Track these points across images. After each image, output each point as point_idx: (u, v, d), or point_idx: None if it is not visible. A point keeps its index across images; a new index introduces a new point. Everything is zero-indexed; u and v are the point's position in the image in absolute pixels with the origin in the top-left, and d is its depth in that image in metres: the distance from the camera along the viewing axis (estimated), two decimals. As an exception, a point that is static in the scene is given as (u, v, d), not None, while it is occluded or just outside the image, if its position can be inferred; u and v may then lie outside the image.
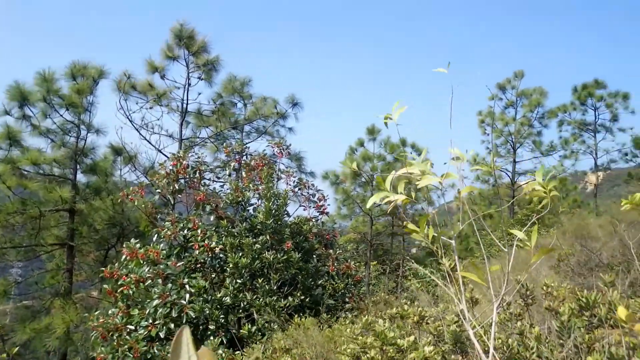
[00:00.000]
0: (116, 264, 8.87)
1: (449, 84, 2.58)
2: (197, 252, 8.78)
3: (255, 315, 8.19)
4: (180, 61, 15.99)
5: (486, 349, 3.16)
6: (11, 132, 14.10)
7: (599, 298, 3.21)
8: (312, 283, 9.17)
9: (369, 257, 21.60)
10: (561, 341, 3.19)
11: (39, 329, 13.62)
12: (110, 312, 8.38)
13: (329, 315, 7.89)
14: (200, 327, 8.17)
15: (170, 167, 9.92)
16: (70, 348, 14.13)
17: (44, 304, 15.14)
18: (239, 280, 8.49)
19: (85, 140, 15.36)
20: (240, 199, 9.43)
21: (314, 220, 10.21)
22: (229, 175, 10.59)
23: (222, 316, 8.16)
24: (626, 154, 25.66)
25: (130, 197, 9.98)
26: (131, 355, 7.66)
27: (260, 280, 8.41)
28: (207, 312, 8.02)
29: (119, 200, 12.62)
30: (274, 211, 9.16)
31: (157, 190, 10.03)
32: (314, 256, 9.71)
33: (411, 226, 2.59)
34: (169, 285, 8.16)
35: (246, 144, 15.13)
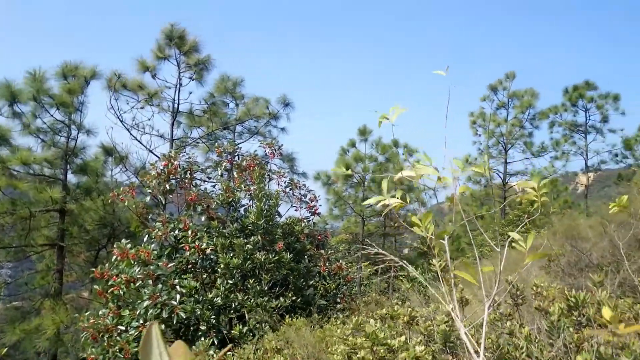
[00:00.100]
0: (107, 265, 8.82)
1: (447, 84, 2.59)
2: (187, 253, 8.76)
3: (247, 316, 8.17)
4: (171, 61, 15.93)
5: (477, 349, 3.17)
6: (1, 131, 14.01)
7: (588, 298, 3.22)
8: (304, 283, 9.17)
9: (360, 258, 21.60)
10: (551, 341, 3.20)
11: (29, 330, 13.53)
12: (100, 312, 8.34)
13: (321, 316, 7.89)
14: (191, 327, 8.14)
15: (162, 168, 9.88)
16: (61, 349, 14.04)
17: (34, 305, 15.05)
18: (230, 281, 8.47)
19: (76, 140, 15.28)
20: (231, 199, 9.41)
21: (305, 220, 10.21)
22: (221, 175, 10.57)
23: (213, 317, 8.13)
24: (616, 155, 25.84)
25: (120, 197, 9.94)
26: (122, 356, 7.62)
27: (251, 281, 8.39)
28: (198, 312, 8.00)
29: (109, 201, 12.56)
30: (265, 212, 9.15)
31: (148, 191, 9.98)
32: (306, 257, 9.71)
33: (415, 220, 2.60)
34: (160, 285, 8.12)
35: (238, 144, 15.11)
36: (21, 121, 14.53)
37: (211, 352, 6.92)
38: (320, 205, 10.76)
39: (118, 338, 7.79)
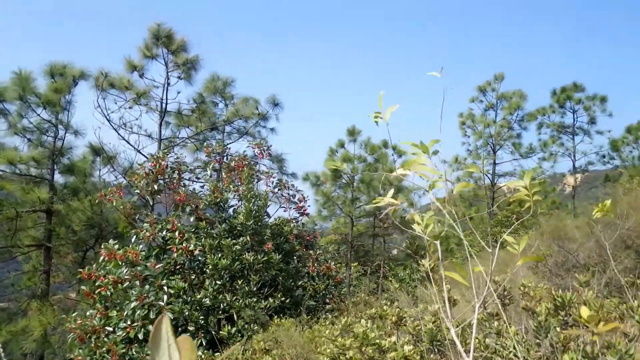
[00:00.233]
0: (94, 265, 8.78)
1: (438, 86, 2.59)
2: (175, 254, 8.72)
3: (235, 317, 8.15)
4: (159, 60, 15.83)
5: (466, 348, 3.17)
6: (-15, 130, 13.90)
7: (574, 298, 3.24)
8: (293, 284, 9.16)
9: (349, 258, 21.62)
10: (538, 340, 3.22)
11: (16, 331, 13.43)
12: (88, 313, 8.29)
13: (310, 316, 7.89)
14: (180, 328, 8.11)
15: (150, 168, 9.83)
16: (48, 351, 13.94)
17: (20, 306, 14.94)
18: (218, 282, 8.45)
19: (63, 140, 15.17)
20: (219, 199, 9.38)
21: (294, 221, 10.21)
22: (210, 176, 10.54)
23: (201, 317, 8.11)
24: (604, 156, 26.02)
25: (108, 197, 9.89)
26: (109, 358, 7.58)
27: (240, 282, 8.38)
28: (187, 313, 7.97)
29: (97, 201, 12.48)
30: (254, 212, 9.13)
31: (136, 191, 9.93)
32: (295, 257, 9.70)
33: (417, 217, 2.59)
34: (147, 286, 8.09)
35: (227, 144, 15.07)
36: (7, 120, 14.41)
37: (199, 352, 6.89)
38: (309, 206, 10.77)
39: (105, 339, 7.76)
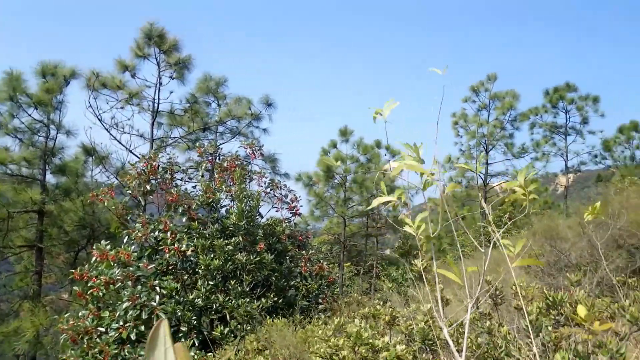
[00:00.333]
0: (86, 266, 8.73)
1: (439, 86, 2.58)
2: (167, 255, 8.70)
3: (228, 317, 8.13)
4: (150, 60, 15.74)
5: (458, 348, 3.18)
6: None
7: (565, 297, 3.25)
8: (285, 284, 9.15)
9: (342, 258, 21.62)
10: (529, 340, 3.22)
11: (8, 332, 13.36)
12: (80, 314, 8.24)
13: (303, 316, 7.89)
14: (172, 329, 8.08)
15: (141, 168, 9.80)
16: (40, 352, 13.88)
17: (12, 307, 14.88)
18: (211, 282, 8.43)
19: (55, 140, 15.09)
20: (211, 200, 9.36)
21: (286, 221, 10.20)
22: (202, 176, 10.51)
23: (194, 318, 8.08)
24: (596, 156, 26.14)
25: (100, 198, 9.84)
26: (101, 358, 7.54)
27: (232, 282, 8.36)
28: (179, 313, 7.94)
29: (89, 202, 12.42)
30: (246, 212, 9.11)
31: (128, 192, 9.89)
32: (287, 257, 9.69)
33: (407, 220, 2.59)
34: (139, 287, 8.06)
35: (220, 144, 15.04)
36: (-2, 120, 14.33)
37: (192, 353, 6.87)
38: (301, 206, 10.76)
39: (98, 340, 7.72)
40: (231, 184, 9.79)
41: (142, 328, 7.71)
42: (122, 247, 8.77)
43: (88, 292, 8.29)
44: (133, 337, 7.65)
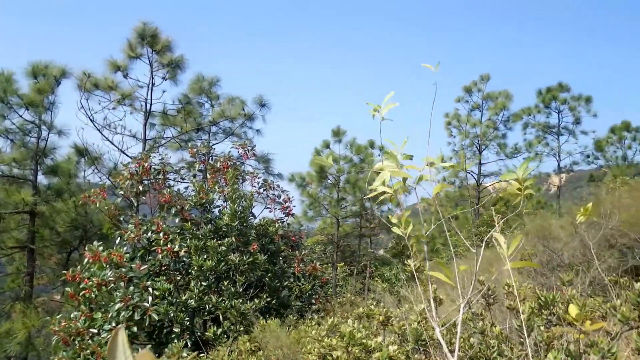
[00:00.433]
0: (78, 267, 8.69)
1: (439, 86, 2.58)
2: (160, 255, 8.67)
3: (221, 318, 8.12)
4: (143, 60, 15.65)
5: (450, 348, 3.18)
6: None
7: (557, 297, 3.26)
8: (278, 285, 9.14)
9: (335, 259, 21.61)
10: (521, 339, 3.23)
11: None
12: (72, 315, 8.20)
13: (296, 317, 7.88)
14: (165, 330, 8.06)
15: (134, 169, 9.76)
16: (32, 353, 13.80)
17: (4, 309, 14.79)
18: (204, 283, 8.41)
19: (47, 140, 15.00)
20: (204, 200, 9.34)
21: (279, 222, 10.19)
22: (194, 176, 10.49)
23: (187, 319, 8.06)
24: (588, 156, 26.31)
25: (91, 199, 9.79)
26: (93, 360, 7.51)
27: (225, 283, 8.34)
28: (172, 314, 7.92)
29: (80, 203, 12.36)
30: (239, 213, 9.10)
31: (120, 192, 9.85)
32: (280, 258, 9.69)
33: (394, 220, 2.59)
34: (132, 288, 8.02)
35: (213, 145, 14.99)
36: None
37: (184, 354, 6.85)
38: (294, 206, 10.77)
39: (90, 341, 7.68)
40: (224, 184, 9.77)
41: (135, 329, 7.69)
42: (115, 248, 8.73)
43: (80, 294, 8.25)
44: (125, 338, 7.61)
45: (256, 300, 8.23)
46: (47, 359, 13.18)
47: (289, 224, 10.63)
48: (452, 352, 2.70)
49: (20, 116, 14.56)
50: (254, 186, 10.33)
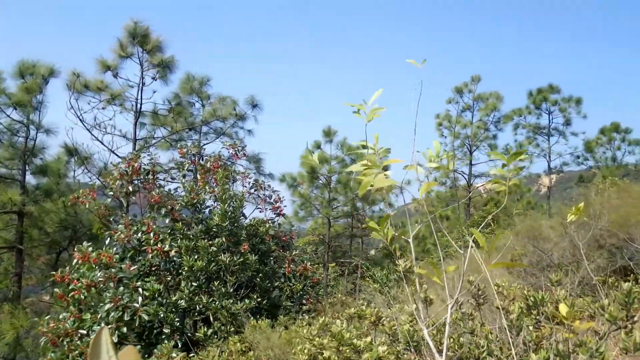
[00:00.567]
0: (67, 268, 8.63)
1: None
2: (150, 255, 8.63)
3: (212, 318, 8.09)
4: (133, 59, 15.55)
5: (440, 348, 3.18)
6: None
7: (546, 297, 3.27)
8: (269, 285, 9.12)
9: (326, 259, 21.59)
10: (511, 339, 3.23)
11: (-12, 334, 13.16)
12: (61, 316, 8.15)
13: (287, 317, 7.87)
14: (155, 330, 8.02)
15: (124, 169, 9.70)
16: (20, 354, 13.69)
17: (-8, 309, 14.65)
18: (194, 283, 8.38)
19: (35, 140, 14.90)
20: (195, 200, 9.30)
21: (270, 222, 10.17)
22: (184, 176, 10.44)
23: (177, 319, 8.03)
24: (578, 157, 26.49)
25: (80, 200, 9.72)
26: (82, 361, 7.46)
27: (216, 283, 8.32)
28: (162, 315, 7.88)
29: (69, 203, 12.29)
30: (230, 213, 9.07)
31: (110, 193, 9.78)
32: (271, 258, 9.67)
33: (372, 224, 2.59)
34: (122, 288, 7.98)
35: (204, 145, 14.94)
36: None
37: (174, 354, 6.82)
38: (285, 206, 10.76)
39: (79, 342, 7.63)
40: (214, 184, 9.73)
41: (125, 330, 7.64)
42: (104, 248, 8.68)
43: (69, 295, 8.20)
44: (115, 339, 7.57)
45: (247, 301, 8.21)
46: (36, 359, 13.09)
47: (280, 224, 10.61)
48: (440, 352, 2.71)
49: (8, 116, 14.47)
50: (245, 186, 10.31)
